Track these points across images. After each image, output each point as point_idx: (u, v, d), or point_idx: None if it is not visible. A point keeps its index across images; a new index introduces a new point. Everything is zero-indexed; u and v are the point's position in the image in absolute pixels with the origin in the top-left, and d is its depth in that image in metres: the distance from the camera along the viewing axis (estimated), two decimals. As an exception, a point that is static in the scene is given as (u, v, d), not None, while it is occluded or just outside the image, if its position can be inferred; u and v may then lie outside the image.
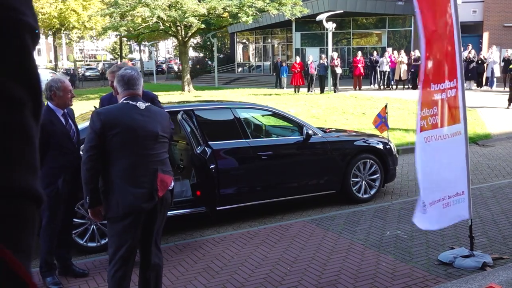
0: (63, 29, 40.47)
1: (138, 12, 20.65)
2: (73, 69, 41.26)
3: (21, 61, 0.47)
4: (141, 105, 3.08)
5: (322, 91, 20.87)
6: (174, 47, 57.51)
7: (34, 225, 0.48)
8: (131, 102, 3.06)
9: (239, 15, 21.49)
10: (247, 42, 39.60)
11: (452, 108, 3.95)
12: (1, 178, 0.45)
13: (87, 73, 42.66)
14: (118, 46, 55.33)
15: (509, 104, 14.47)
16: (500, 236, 4.70)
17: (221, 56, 42.95)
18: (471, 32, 23.06)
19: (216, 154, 5.10)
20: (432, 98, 3.92)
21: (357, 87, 21.67)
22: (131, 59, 61.18)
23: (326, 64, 20.97)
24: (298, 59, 22.85)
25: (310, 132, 5.82)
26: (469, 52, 19.81)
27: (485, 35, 23.97)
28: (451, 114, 3.96)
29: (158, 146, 3.08)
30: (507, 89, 15.57)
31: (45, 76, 34.30)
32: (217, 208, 4.97)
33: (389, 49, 22.82)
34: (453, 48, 3.91)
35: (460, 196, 4.03)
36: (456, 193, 4.01)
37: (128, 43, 56.67)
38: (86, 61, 65.47)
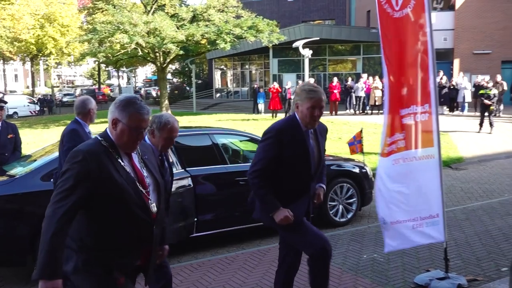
0: (40, 55, 40.21)
1: (116, 39, 20.68)
2: (50, 95, 40.87)
3: None
4: None
5: (299, 116, 21.08)
6: (152, 73, 57.63)
7: None
8: None
9: (217, 41, 21.76)
10: (225, 68, 39.96)
11: (425, 132, 4.00)
12: None
13: (65, 99, 42.30)
14: (96, 72, 55.19)
15: (480, 128, 14.92)
16: (474, 258, 4.78)
17: (200, 81, 43.18)
18: (442, 58, 23.83)
19: (194, 180, 5.11)
20: (400, 122, 4.03)
21: (333, 112, 22.02)
22: (109, 85, 61.03)
23: (303, 89, 21.27)
24: (276, 84, 23.22)
25: (287, 157, 5.87)
26: (441, 78, 20.44)
27: (456, 62, 24.80)
28: (424, 138, 4.00)
29: None
30: (478, 113, 16.05)
31: (22, 102, 34.00)
32: (196, 234, 4.95)
33: (364, 75, 23.36)
34: (426, 74, 3.97)
35: (435, 218, 4.04)
36: (430, 215, 4.03)
37: (106, 69, 56.54)
38: (64, 86, 64.83)
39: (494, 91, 15.02)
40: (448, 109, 21.02)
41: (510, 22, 23.99)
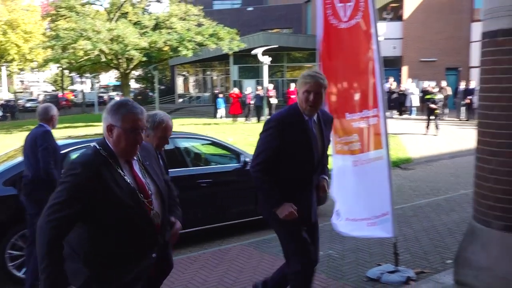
0: (2, 61, 38.99)
1: (79, 45, 20.40)
2: (13, 100, 39.54)
3: None
4: None
5: (258, 120, 21.48)
6: (116, 79, 56.65)
7: None
8: None
9: (179, 49, 21.84)
10: (187, 74, 39.86)
11: (375, 134, 4.23)
12: None
13: (28, 104, 41.03)
14: (60, 78, 53.79)
15: (427, 131, 15.71)
16: (421, 252, 5.03)
17: (162, 87, 42.86)
18: (392, 65, 24.74)
19: (156, 183, 5.21)
20: (350, 126, 4.28)
21: (293, 117, 22.44)
22: (72, 91, 59.56)
23: (262, 95, 21.72)
24: (236, 90, 23.52)
25: (247, 159, 6.03)
26: (391, 84, 21.35)
27: (404, 69, 25.87)
28: (375, 140, 4.23)
29: None
30: (425, 117, 16.86)
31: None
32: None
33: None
34: (375, 80, 4.19)
35: (386, 216, 4.23)
36: (382, 213, 4.22)
37: (70, 75, 55.26)
38: (28, 92, 62.77)
39: (440, 96, 16.00)
40: (397, 113, 21.90)
41: (453, 32, 25.23)
